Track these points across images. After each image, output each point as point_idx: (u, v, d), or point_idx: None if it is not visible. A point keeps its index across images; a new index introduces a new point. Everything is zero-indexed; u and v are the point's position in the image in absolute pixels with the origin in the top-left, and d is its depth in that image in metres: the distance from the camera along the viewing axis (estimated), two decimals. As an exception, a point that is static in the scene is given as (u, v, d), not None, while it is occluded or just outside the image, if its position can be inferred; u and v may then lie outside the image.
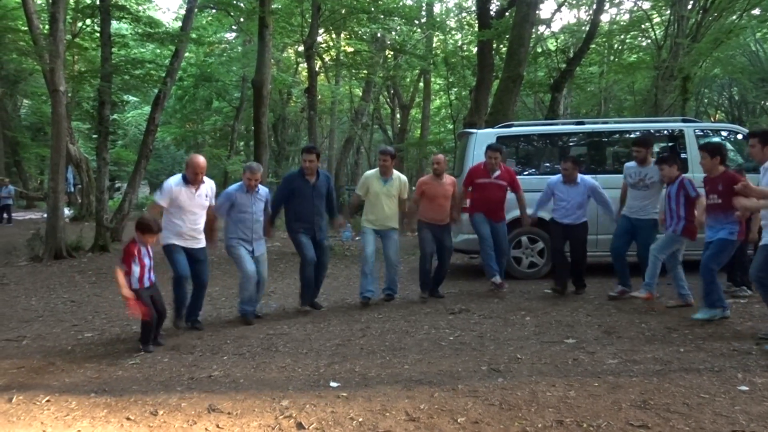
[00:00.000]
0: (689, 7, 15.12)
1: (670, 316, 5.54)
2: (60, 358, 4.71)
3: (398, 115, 28.15)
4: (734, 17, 14.57)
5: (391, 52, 23.17)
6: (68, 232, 11.08)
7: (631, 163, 6.45)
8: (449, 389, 3.74)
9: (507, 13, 14.25)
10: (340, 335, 5.28)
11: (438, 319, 5.79)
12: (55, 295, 7.65)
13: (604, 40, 19.08)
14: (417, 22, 21.02)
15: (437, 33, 22.79)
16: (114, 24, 15.96)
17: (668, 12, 15.95)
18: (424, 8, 22.13)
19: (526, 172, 8.03)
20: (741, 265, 6.25)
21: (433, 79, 25.54)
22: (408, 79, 27.01)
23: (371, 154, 26.92)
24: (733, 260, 5.88)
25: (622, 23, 19.85)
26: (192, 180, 5.36)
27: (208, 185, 5.57)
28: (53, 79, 10.64)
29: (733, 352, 4.40)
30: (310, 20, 16.03)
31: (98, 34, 15.00)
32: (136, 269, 4.82)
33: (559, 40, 20.02)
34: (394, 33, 21.60)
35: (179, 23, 18.62)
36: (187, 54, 18.94)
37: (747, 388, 3.64)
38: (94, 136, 20.85)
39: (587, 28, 16.28)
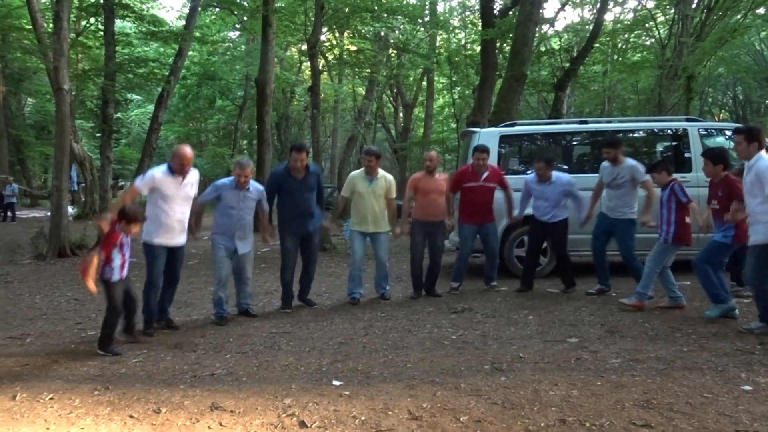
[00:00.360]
0: (693, 6, 15.10)
1: (673, 316, 5.53)
2: (63, 356, 4.72)
3: (401, 114, 28.17)
4: (739, 16, 14.54)
5: (395, 51, 23.16)
6: (72, 230, 11.10)
7: (606, 163, 6.51)
8: (452, 388, 3.74)
9: (510, 12, 14.23)
10: (342, 334, 5.28)
11: (440, 317, 5.79)
12: (58, 293, 7.67)
13: (607, 39, 19.06)
14: (420, 20, 21.01)
15: (440, 32, 22.78)
16: (118, 23, 16.02)
17: (672, 11, 15.91)
18: (427, 7, 22.15)
19: (529, 172, 8.02)
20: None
21: (436, 78, 25.55)
22: (411, 78, 27.04)
23: (374, 153, 26.88)
24: (738, 260, 5.88)
25: (626, 22, 19.82)
26: (178, 171, 5.23)
27: (194, 175, 5.45)
28: (57, 77, 10.66)
29: (736, 352, 4.39)
30: (313, 19, 16.00)
31: (102, 33, 15.08)
32: (117, 259, 4.71)
33: (562, 39, 20.00)
34: (397, 32, 21.59)
35: (183, 22, 18.67)
36: (190, 53, 18.99)
37: (750, 388, 3.63)
38: (98, 134, 20.92)
39: (591, 27, 16.25)
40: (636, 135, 8.56)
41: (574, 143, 8.55)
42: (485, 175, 6.75)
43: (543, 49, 18.36)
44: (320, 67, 19.34)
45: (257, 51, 16.99)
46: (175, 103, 25.47)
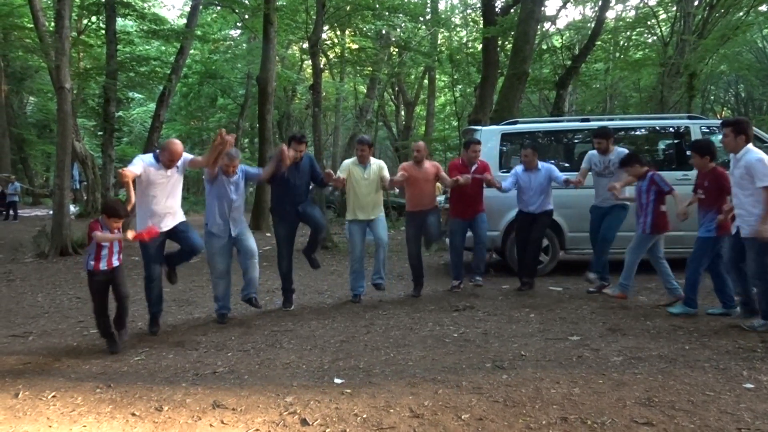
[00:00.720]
0: (696, 3, 15.06)
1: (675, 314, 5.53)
2: (65, 354, 4.73)
3: (403, 113, 28.14)
4: (741, 14, 14.50)
5: (396, 49, 23.13)
6: (74, 228, 11.11)
7: (594, 152, 6.57)
8: (453, 386, 3.74)
9: (512, 10, 14.22)
10: (344, 332, 5.28)
11: (442, 315, 5.79)
12: (60, 291, 7.69)
13: (609, 36, 19.02)
14: (422, 18, 20.97)
15: (442, 30, 22.73)
16: (119, 21, 16.03)
17: (674, 8, 15.87)
18: (428, 5, 22.10)
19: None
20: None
21: (437, 76, 25.52)
22: (413, 76, 27.00)
23: (376, 152, 26.90)
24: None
25: (627, 20, 19.77)
26: (166, 164, 5.13)
27: (180, 160, 5.30)
28: (59, 76, 10.68)
29: (738, 350, 4.39)
30: (314, 17, 16.00)
31: (103, 32, 15.08)
32: (93, 249, 4.65)
33: (564, 37, 19.98)
34: (398, 30, 21.58)
35: (184, 20, 18.67)
36: (191, 51, 19.00)
37: (752, 386, 3.63)
38: (100, 133, 20.97)
39: (593, 25, 16.22)
40: (638, 133, 8.55)
41: (576, 141, 8.54)
42: (475, 167, 6.81)
43: (545, 46, 18.33)
44: (321, 66, 19.33)
45: (258, 49, 16.99)
46: (176, 101, 25.49)
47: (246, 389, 3.80)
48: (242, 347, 4.87)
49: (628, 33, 19.60)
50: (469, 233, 6.90)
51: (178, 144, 5.20)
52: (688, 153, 7.60)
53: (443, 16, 23.03)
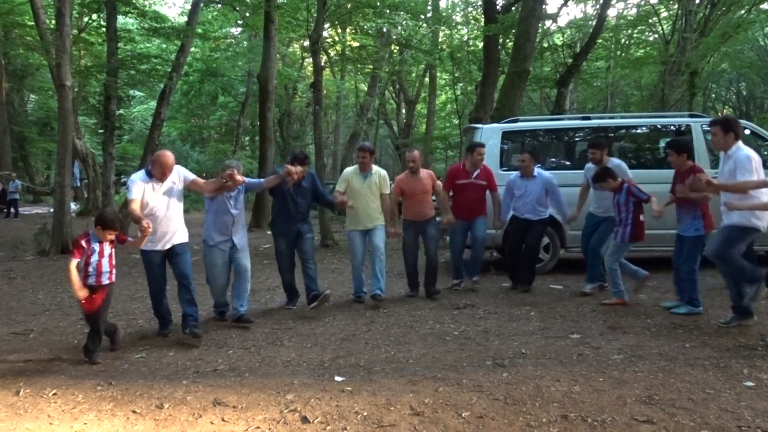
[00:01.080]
0: (697, 1, 15.05)
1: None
2: (67, 352, 4.73)
3: (404, 111, 28.14)
4: (742, 11, 14.49)
5: (397, 47, 23.12)
6: (75, 226, 11.12)
7: (591, 165, 6.53)
8: (454, 384, 3.74)
9: (513, 8, 14.20)
10: (344, 330, 5.28)
11: (442, 314, 5.79)
12: (61, 289, 7.69)
13: (611, 34, 19.00)
14: (423, 16, 20.96)
15: (443, 28, 22.72)
16: (120, 19, 16.00)
17: (676, 6, 15.86)
18: (429, 3, 22.06)
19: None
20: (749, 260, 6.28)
21: (438, 74, 25.50)
22: (413, 74, 27.00)
23: (377, 150, 26.91)
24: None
25: (629, 18, 19.75)
26: (158, 177, 4.93)
27: (175, 174, 5.06)
28: (60, 74, 10.68)
29: (738, 348, 4.39)
30: (315, 15, 15.99)
31: (104, 29, 15.06)
32: (81, 263, 4.42)
33: (565, 35, 19.95)
34: (399, 28, 21.56)
35: (185, 18, 18.65)
36: (192, 49, 18.97)
37: (753, 384, 3.63)
38: (101, 130, 20.97)
39: (594, 23, 16.20)
40: (639, 131, 8.54)
41: (577, 139, 8.53)
42: (476, 172, 6.75)
43: (546, 45, 18.33)
44: (322, 64, 19.32)
45: (259, 47, 16.99)
46: (177, 99, 25.48)
47: (247, 387, 3.80)
48: (243, 345, 4.87)
49: (630, 31, 19.58)
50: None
51: (168, 156, 4.97)
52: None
53: (444, 13, 23.02)
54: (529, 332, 5.03)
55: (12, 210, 19.05)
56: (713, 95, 27.88)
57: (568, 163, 8.36)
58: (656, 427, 3.05)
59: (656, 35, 18.15)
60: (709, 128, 7.74)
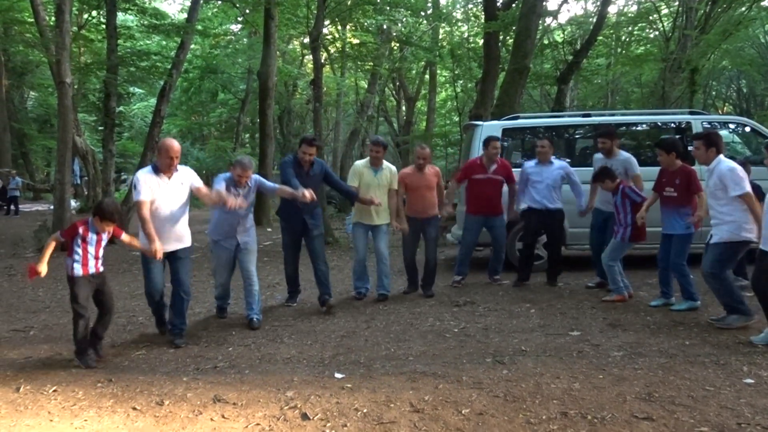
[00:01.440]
0: (697, -2, 15.01)
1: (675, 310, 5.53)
2: (67, 349, 4.72)
3: (404, 108, 28.11)
4: (743, 8, 14.45)
5: (397, 44, 23.09)
6: (75, 223, 11.12)
7: (599, 155, 6.54)
8: (454, 381, 3.74)
9: (514, 5, 14.16)
10: (344, 327, 5.29)
11: (443, 311, 5.79)
12: (61, 285, 7.68)
13: (611, 31, 18.98)
14: (423, 13, 20.96)
15: (443, 24, 22.70)
16: (120, 16, 15.98)
17: (676, 3, 15.84)
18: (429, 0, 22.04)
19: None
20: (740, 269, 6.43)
21: (438, 71, 25.46)
22: (414, 71, 26.97)
23: (377, 147, 26.83)
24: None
25: (629, 15, 19.71)
26: (165, 167, 4.67)
27: (184, 173, 4.87)
28: (59, 70, 10.66)
29: (738, 345, 4.39)
30: (315, 12, 15.98)
31: (104, 26, 15.04)
32: (77, 249, 4.32)
33: (566, 32, 19.91)
34: (399, 24, 21.53)
35: (185, 15, 18.62)
36: (192, 46, 18.93)
37: (752, 381, 3.63)
38: (101, 128, 20.92)
39: (594, 20, 16.18)
40: (639, 128, 8.53)
41: (577, 136, 8.53)
42: (494, 167, 6.73)
43: (546, 41, 18.27)
44: (322, 61, 19.30)
45: (259, 44, 16.96)
46: (177, 96, 25.45)
47: (247, 384, 3.81)
48: (243, 342, 4.88)
49: (630, 28, 19.54)
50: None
51: (173, 141, 4.77)
52: (690, 149, 7.62)
53: (444, 10, 23.00)
54: (529, 329, 5.03)
55: (12, 207, 19.05)
56: (714, 92, 27.84)
57: (568, 160, 8.34)
58: (656, 424, 3.05)
59: (657, 32, 18.12)
60: (709, 125, 7.81)
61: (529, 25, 11.33)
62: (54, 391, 3.74)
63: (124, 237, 4.60)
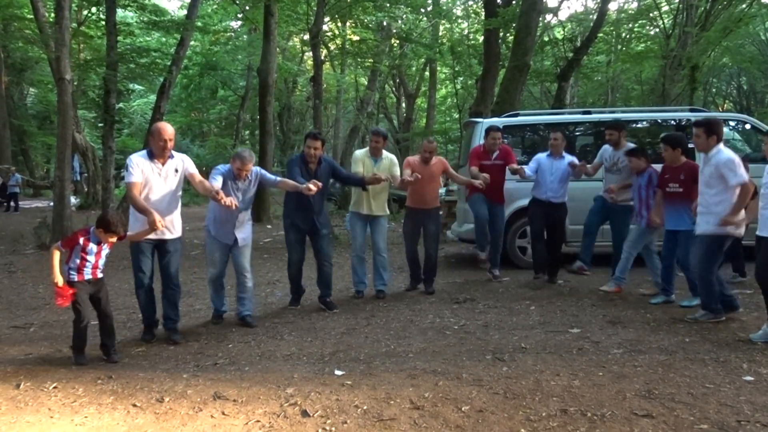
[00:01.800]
0: (698, -5, 14.99)
1: (675, 307, 5.53)
2: (67, 345, 4.72)
3: (404, 105, 28.07)
4: (744, 6, 14.44)
5: (397, 41, 23.05)
6: (75, 220, 11.10)
7: (607, 146, 6.55)
8: (453, 378, 3.74)
9: (514, 2, 14.14)
10: (344, 324, 5.29)
11: (443, 308, 5.79)
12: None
13: (611, 29, 18.97)
14: (423, 10, 20.92)
15: (443, 21, 22.66)
16: (119, 12, 15.96)
17: (677, 0, 15.80)
18: (430, -4, 22.01)
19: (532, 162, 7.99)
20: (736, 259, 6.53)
21: (438, 68, 25.43)
22: (414, 68, 26.92)
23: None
24: (736, 252, 5.96)
25: (630, 12, 19.70)
26: (159, 151, 4.56)
27: (179, 159, 4.75)
28: (59, 67, 10.65)
29: (738, 343, 4.40)
30: (315, 8, 15.96)
31: (104, 23, 15.03)
32: (75, 259, 4.24)
33: (566, 29, 19.88)
34: (400, 21, 21.49)
35: (184, 11, 18.58)
36: (192, 42, 18.94)
37: (752, 379, 3.64)
38: (100, 124, 20.94)
39: (595, 17, 16.15)
40: (640, 125, 8.53)
41: (577, 133, 8.52)
42: (496, 154, 6.77)
43: (546, 38, 18.26)
44: (322, 57, 19.29)
45: (259, 41, 16.94)
46: (177, 93, 25.43)
47: (247, 381, 3.81)
48: (243, 339, 4.88)
49: (631, 25, 19.54)
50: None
51: (166, 124, 4.68)
52: (691, 146, 7.62)
53: (445, 7, 22.95)
54: (529, 326, 5.03)
55: (12, 204, 19.03)
56: (714, 90, 27.80)
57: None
58: (656, 422, 3.05)
59: (657, 29, 18.09)
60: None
61: (529, 22, 11.32)
62: (54, 387, 3.74)
63: (129, 235, 4.49)
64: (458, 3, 24.56)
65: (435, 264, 6.61)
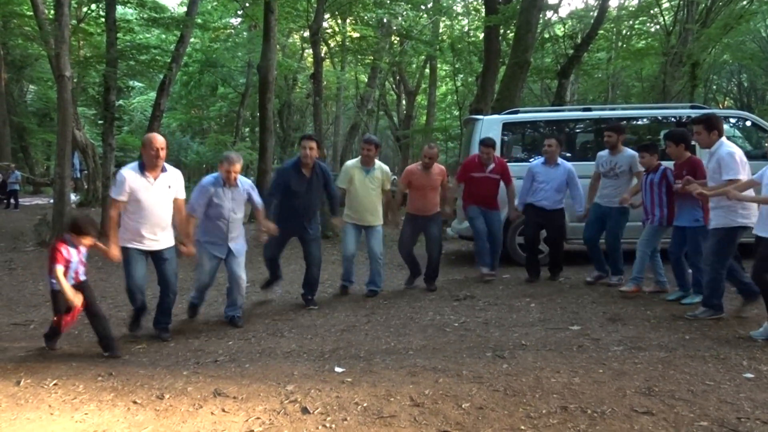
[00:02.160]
0: (699, -8, 14.96)
1: (675, 304, 5.53)
2: (67, 342, 4.73)
3: (404, 102, 28.04)
4: (744, 2, 14.44)
5: (397, 38, 23.02)
6: (75, 217, 11.11)
7: (604, 152, 6.50)
8: (454, 375, 3.75)
9: (514, -1, 14.12)
10: (345, 321, 5.29)
11: (443, 305, 5.79)
12: (62, 280, 7.70)
13: (612, 25, 18.92)
14: (423, 7, 20.85)
15: (444, 18, 22.61)
16: (119, 9, 15.91)
17: (678, -3, 15.77)
18: (430, -7, 21.95)
19: (532, 159, 7.99)
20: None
21: (439, 65, 25.39)
22: (414, 65, 26.87)
23: (377, 141, 26.81)
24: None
25: (630, 8, 19.66)
26: (150, 163, 4.56)
27: (172, 175, 4.75)
28: (59, 64, 10.62)
29: (738, 340, 4.40)
30: (315, 5, 15.92)
31: (103, 19, 14.98)
32: (59, 269, 4.19)
33: (566, 26, 19.84)
34: (400, 18, 21.45)
35: (184, 8, 18.56)
36: (192, 39, 18.88)
37: (752, 376, 3.64)
38: (100, 121, 20.94)
39: (595, 14, 16.12)
40: (640, 122, 8.52)
41: (578, 131, 8.51)
42: (491, 166, 6.71)
43: (547, 35, 18.21)
44: (322, 54, 19.25)
45: (259, 38, 16.88)
46: (177, 90, 25.40)
47: (247, 378, 3.81)
48: (243, 336, 4.88)
49: (631, 22, 19.49)
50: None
51: (157, 135, 4.70)
52: (692, 143, 7.61)
53: (445, 4, 22.89)
54: (529, 323, 5.03)
55: (12, 201, 19.02)
56: (714, 87, 27.78)
57: (569, 154, 8.32)
58: (656, 419, 3.05)
59: (658, 26, 18.06)
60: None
61: (529, 19, 11.30)
62: (54, 384, 3.74)
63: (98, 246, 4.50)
64: (458, 0, 24.54)
65: (437, 266, 6.62)
